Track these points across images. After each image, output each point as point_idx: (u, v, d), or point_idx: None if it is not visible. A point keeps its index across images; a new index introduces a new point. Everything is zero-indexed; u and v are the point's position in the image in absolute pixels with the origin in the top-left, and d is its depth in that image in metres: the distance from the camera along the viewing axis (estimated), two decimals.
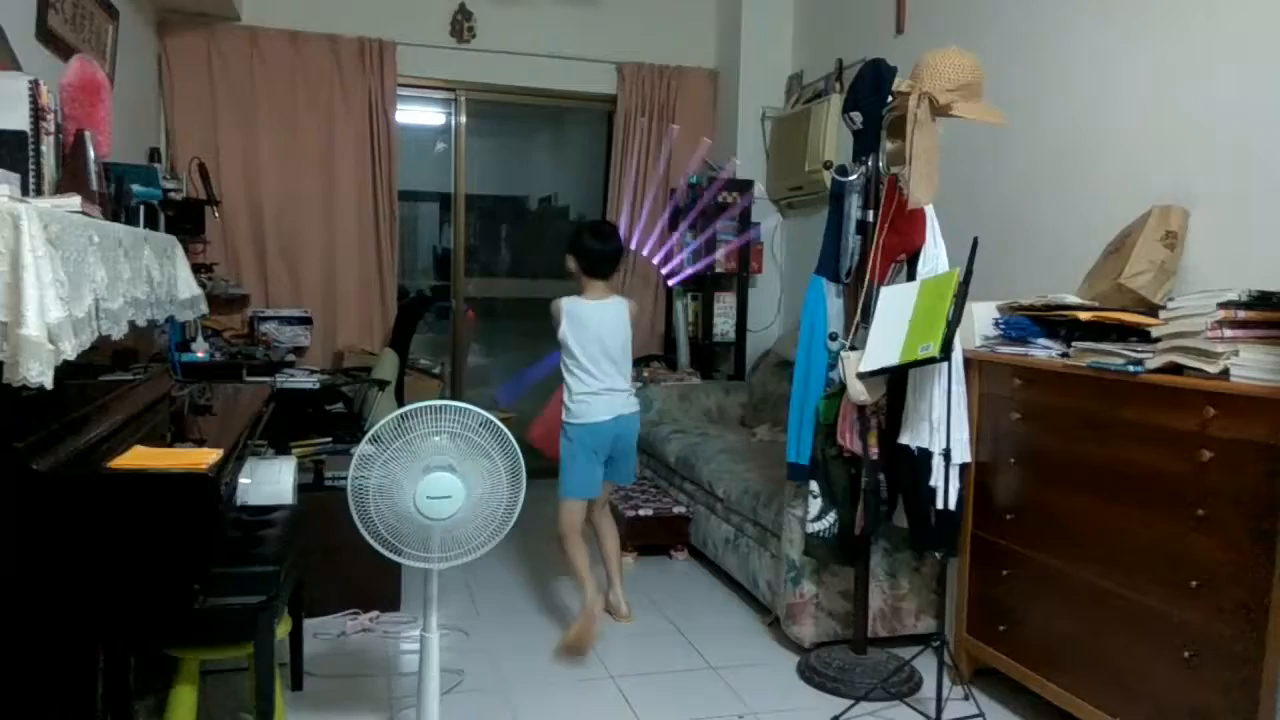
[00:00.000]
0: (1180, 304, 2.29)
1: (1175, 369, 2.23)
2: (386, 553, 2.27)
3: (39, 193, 2.04)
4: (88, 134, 2.23)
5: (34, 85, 2.07)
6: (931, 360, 2.57)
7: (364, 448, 2.24)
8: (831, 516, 2.93)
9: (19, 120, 2.06)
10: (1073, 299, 2.71)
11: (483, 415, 2.27)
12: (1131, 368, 2.31)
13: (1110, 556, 2.40)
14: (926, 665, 2.85)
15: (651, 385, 5.05)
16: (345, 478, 3.39)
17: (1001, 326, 2.82)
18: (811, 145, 4.79)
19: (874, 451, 2.84)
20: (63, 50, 3.12)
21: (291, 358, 4.49)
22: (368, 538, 2.25)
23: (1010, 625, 2.76)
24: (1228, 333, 2.13)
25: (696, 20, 5.68)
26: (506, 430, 2.31)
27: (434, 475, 2.21)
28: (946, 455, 2.68)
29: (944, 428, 2.67)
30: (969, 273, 2.61)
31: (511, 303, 6.35)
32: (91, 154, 2.25)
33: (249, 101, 4.91)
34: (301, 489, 2.98)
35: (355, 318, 5.16)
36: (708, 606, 3.64)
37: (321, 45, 5.00)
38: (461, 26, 5.28)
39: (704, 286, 5.37)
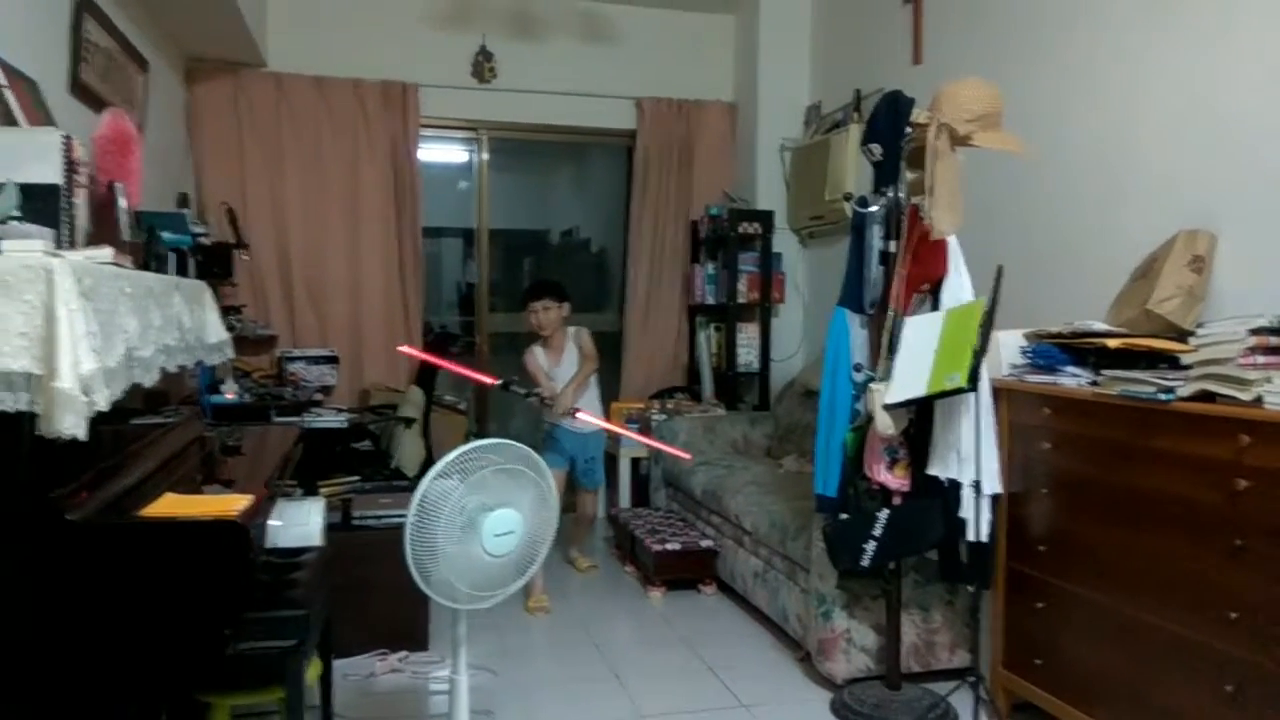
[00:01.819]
0: (1210, 330, 2.26)
1: (1207, 396, 2.20)
2: (445, 601, 2.24)
3: (72, 245, 2.08)
4: (119, 185, 2.28)
5: (67, 140, 2.12)
6: (959, 391, 2.55)
7: (431, 491, 2.20)
8: (871, 545, 2.88)
9: (52, 174, 2.10)
10: (1100, 326, 2.69)
11: (522, 449, 2.27)
12: (1163, 396, 2.28)
13: (1147, 588, 2.36)
14: (962, 701, 2.80)
15: (676, 417, 5.04)
16: (374, 517, 3.44)
17: (1029, 355, 2.80)
18: (831, 175, 4.81)
19: (903, 483, 2.82)
20: (95, 102, 3.19)
21: (319, 397, 4.53)
22: (426, 588, 2.20)
23: (1047, 659, 2.71)
24: (1260, 359, 2.10)
25: (714, 54, 5.74)
26: (543, 462, 2.31)
27: (498, 512, 2.21)
28: (977, 486, 2.65)
29: (974, 458, 2.65)
30: (994, 302, 2.60)
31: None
32: (123, 204, 2.30)
33: (275, 146, 5.00)
34: (329, 529, 2.99)
35: (381, 356, 5.20)
36: (738, 642, 3.60)
37: (346, 89, 5.09)
38: (483, 67, 5.35)
39: (727, 317, 5.37)
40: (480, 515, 2.18)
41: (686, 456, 4.32)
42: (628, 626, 3.81)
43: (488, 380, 3.61)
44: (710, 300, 5.54)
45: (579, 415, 3.94)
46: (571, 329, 4.26)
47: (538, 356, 4.20)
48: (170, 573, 1.69)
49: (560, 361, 4.20)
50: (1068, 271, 3.28)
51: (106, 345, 1.68)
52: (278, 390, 4.38)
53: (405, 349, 4.60)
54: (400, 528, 3.35)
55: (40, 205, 2.01)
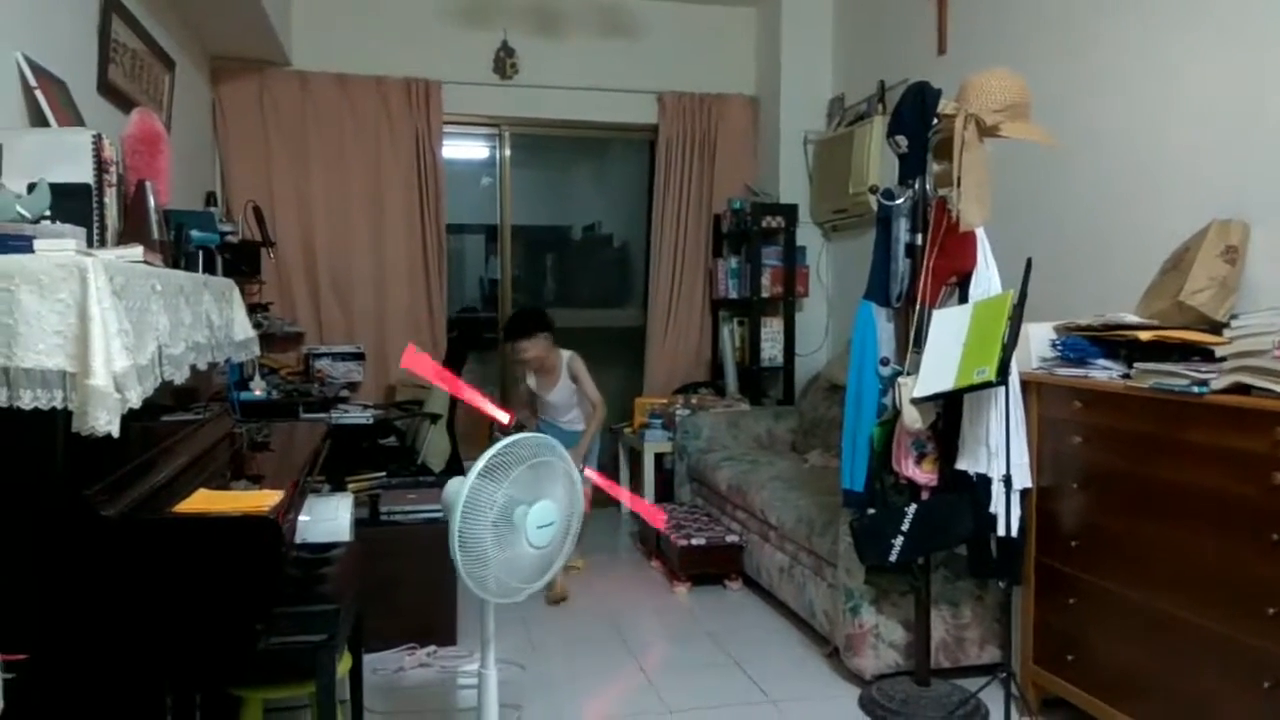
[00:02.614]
0: (1245, 322, 2.23)
1: (1242, 389, 2.17)
2: (497, 598, 2.24)
3: (102, 243, 2.10)
4: (149, 184, 2.30)
5: (97, 140, 2.14)
6: (988, 385, 2.53)
7: (474, 489, 2.20)
8: (899, 541, 2.87)
9: (83, 173, 2.13)
10: (1131, 318, 2.65)
11: (541, 438, 2.28)
12: (1196, 389, 2.25)
13: (1181, 583, 2.33)
14: (993, 697, 2.78)
15: (700, 412, 5.03)
16: (401, 513, 3.46)
17: (1059, 348, 2.77)
18: (855, 168, 4.77)
19: (931, 478, 2.80)
20: (123, 102, 3.22)
21: (345, 393, 4.56)
22: (473, 586, 2.19)
23: (1079, 654, 2.69)
24: None
25: (736, 47, 5.71)
26: (560, 446, 2.32)
27: (538, 506, 2.21)
28: (1007, 481, 2.63)
29: (1003, 453, 2.63)
30: (1023, 295, 2.57)
31: (559, 332, 6.36)
32: (152, 203, 2.32)
33: (300, 143, 5.04)
34: (357, 524, 3.01)
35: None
36: (764, 638, 3.59)
37: (369, 87, 5.11)
38: (505, 64, 5.36)
39: (750, 311, 5.35)
40: (522, 513, 2.19)
41: (660, 519, 4.14)
42: (654, 621, 3.81)
43: (502, 418, 3.18)
44: (734, 295, 5.52)
45: (588, 473, 3.79)
46: (565, 353, 4.29)
47: (530, 383, 4.32)
48: (203, 568, 1.70)
49: (554, 386, 4.28)
50: (1097, 263, 3.24)
51: (138, 343, 1.70)
52: (305, 386, 4.41)
53: (410, 361, 3.03)
54: (428, 523, 3.41)
55: (71, 204, 2.04)
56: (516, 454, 2.21)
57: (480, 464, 2.16)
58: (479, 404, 2.87)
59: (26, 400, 1.52)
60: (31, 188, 1.92)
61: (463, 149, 5.79)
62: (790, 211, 5.30)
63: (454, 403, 4.90)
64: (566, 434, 4.19)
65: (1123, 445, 2.52)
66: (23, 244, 1.62)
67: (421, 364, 2.67)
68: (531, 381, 4.32)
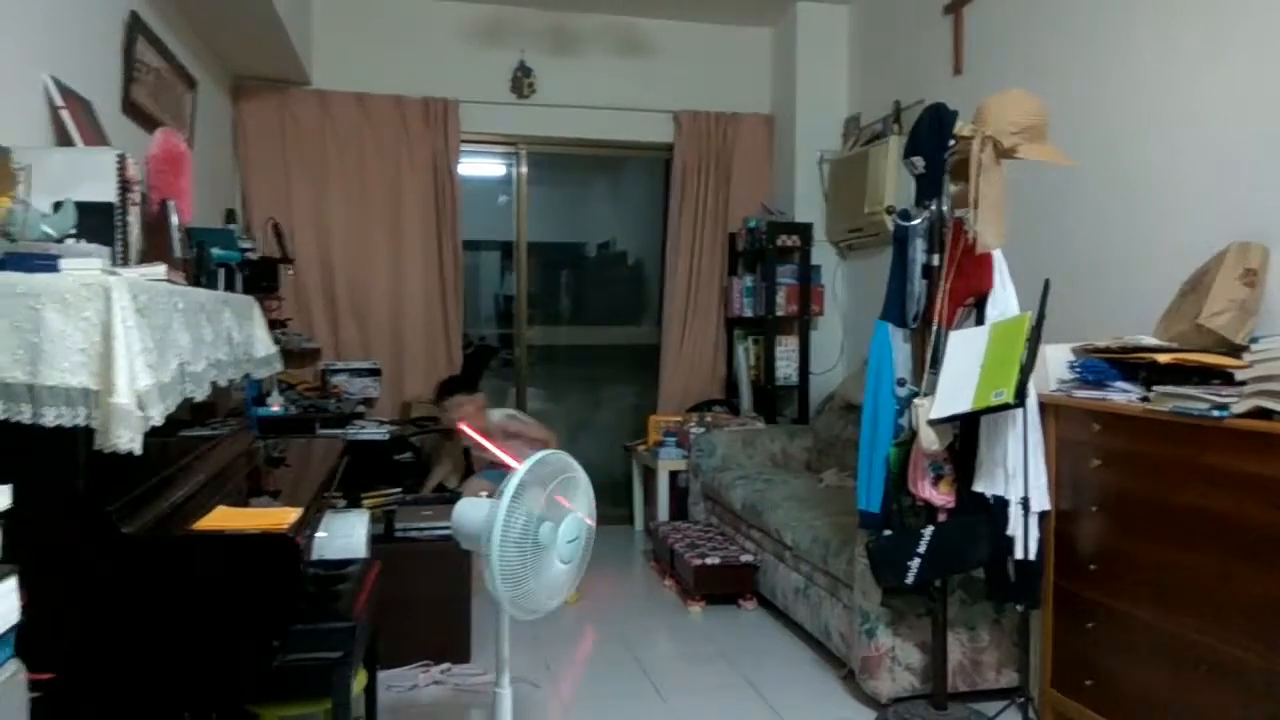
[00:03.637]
0: (1265, 346, 2.21)
1: (1263, 414, 2.15)
2: (523, 615, 2.24)
3: (125, 262, 2.12)
4: (171, 203, 2.33)
5: (121, 159, 2.17)
6: (1006, 407, 2.52)
7: (510, 534, 2.19)
8: (916, 562, 2.85)
9: (107, 192, 2.16)
10: (1150, 340, 2.64)
11: (555, 455, 2.28)
12: (1216, 412, 2.23)
13: (1202, 609, 2.31)
14: None
15: (714, 431, 5.03)
16: (416, 529, 3.47)
17: (1077, 369, 2.76)
18: (870, 187, 4.78)
19: (948, 500, 2.78)
20: (146, 121, 3.27)
21: (361, 409, 4.58)
22: (517, 614, 2.19)
23: (1097, 679, 2.66)
24: None
25: (751, 67, 5.74)
26: (569, 456, 2.32)
27: (565, 522, 2.22)
28: (1025, 504, 2.61)
29: (1021, 475, 2.61)
30: (1041, 316, 2.56)
31: (573, 349, 6.39)
32: (175, 221, 2.35)
33: (319, 161, 5.08)
34: (373, 540, 3.01)
35: (422, 368, 5.25)
36: (779, 659, 3.57)
37: (388, 106, 5.16)
38: (522, 83, 5.40)
39: (765, 329, 5.35)
40: (551, 533, 2.20)
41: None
42: (668, 641, 3.79)
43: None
44: (748, 313, 5.52)
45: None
46: (496, 415, 4.57)
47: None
48: (222, 585, 1.72)
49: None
50: (1115, 285, 3.23)
51: (161, 361, 1.71)
52: (321, 402, 4.43)
53: (464, 429, 3.96)
54: (443, 539, 3.41)
55: (95, 223, 2.06)
56: (539, 474, 2.22)
57: (507, 499, 2.14)
58: (501, 459, 2.89)
59: (50, 418, 1.54)
60: (58, 206, 1.95)
61: (480, 167, 5.83)
62: (805, 230, 5.30)
63: None
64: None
65: (1142, 468, 2.50)
66: (49, 263, 1.65)
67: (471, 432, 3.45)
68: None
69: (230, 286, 3.05)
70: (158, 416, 1.62)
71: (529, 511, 2.17)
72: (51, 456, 1.60)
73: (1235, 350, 2.47)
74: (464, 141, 5.32)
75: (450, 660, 3.36)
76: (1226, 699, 2.23)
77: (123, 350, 1.56)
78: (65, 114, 2.50)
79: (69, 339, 1.56)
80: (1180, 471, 2.36)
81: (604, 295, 6.71)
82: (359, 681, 2.46)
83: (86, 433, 1.57)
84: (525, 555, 2.15)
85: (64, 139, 2.51)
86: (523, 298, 5.77)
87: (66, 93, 2.54)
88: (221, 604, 1.72)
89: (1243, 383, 2.24)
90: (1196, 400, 2.30)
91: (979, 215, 2.69)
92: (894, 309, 3.00)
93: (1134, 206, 3.19)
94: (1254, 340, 2.32)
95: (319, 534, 2.64)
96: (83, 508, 1.63)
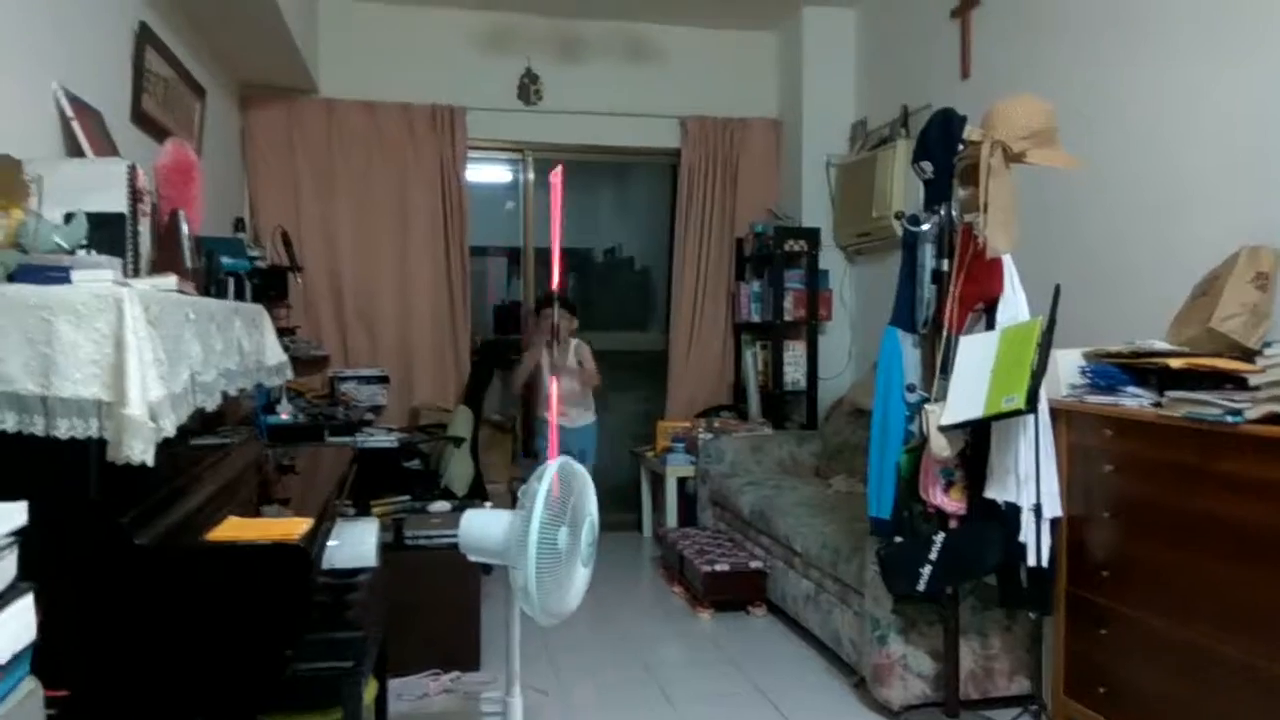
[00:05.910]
0: (1278, 350, 2.20)
1: (1277, 419, 2.14)
2: (550, 621, 2.24)
3: (136, 272, 2.13)
4: (181, 213, 2.33)
5: (131, 170, 2.17)
6: (1017, 413, 2.51)
7: (538, 524, 2.19)
8: (927, 569, 2.84)
9: (118, 203, 2.16)
10: (1162, 345, 2.63)
11: (566, 463, 2.27)
12: (1230, 418, 2.22)
13: (1216, 615, 2.29)
14: None
15: (723, 436, 5.02)
16: (426, 537, 3.46)
17: (1089, 375, 2.75)
18: (878, 191, 4.77)
19: (959, 506, 2.77)
20: (155, 130, 3.28)
21: (370, 416, 4.58)
22: (540, 615, 2.18)
23: (1110, 686, 2.64)
24: None
25: (758, 71, 5.74)
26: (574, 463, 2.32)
27: (584, 527, 2.22)
28: (1037, 510, 2.60)
29: (1033, 481, 2.60)
30: (1052, 321, 2.55)
31: None
32: (185, 231, 2.34)
33: (327, 169, 5.10)
34: (382, 548, 3.01)
35: (430, 375, 5.25)
36: (789, 666, 3.56)
37: (395, 114, 5.17)
38: (529, 90, 5.41)
39: (773, 335, 5.34)
40: (574, 541, 2.20)
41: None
42: (677, 647, 3.78)
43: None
44: (756, 318, 5.52)
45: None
46: (574, 341, 4.90)
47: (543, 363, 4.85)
48: (234, 595, 1.71)
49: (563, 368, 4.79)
50: (1127, 289, 3.22)
51: (172, 371, 1.71)
52: (330, 410, 4.44)
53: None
54: (453, 547, 3.40)
55: (107, 234, 2.06)
56: (559, 487, 2.21)
57: (535, 521, 2.12)
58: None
59: (63, 430, 1.54)
60: (69, 218, 1.95)
61: (487, 173, 5.83)
62: (813, 235, 5.30)
63: (477, 427, 4.91)
64: (568, 432, 4.59)
65: (1154, 474, 2.49)
66: (60, 275, 1.65)
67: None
68: (545, 361, 4.75)
69: (239, 295, 3.06)
70: (169, 427, 1.62)
71: (553, 518, 2.17)
72: (64, 468, 1.60)
73: (1248, 354, 2.45)
74: (471, 148, 5.33)
75: (460, 668, 3.36)
76: (1241, 706, 2.21)
77: (135, 361, 1.56)
78: (76, 125, 2.51)
79: (81, 350, 1.56)
80: (1194, 477, 2.35)
81: (611, 301, 6.71)
82: (370, 691, 2.45)
83: (99, 444, 1.57)
84: (558, 564, 2.15)
85: (75, 150, 2.52)
86: (530, 303, 5.76)
87: (77, 103, 2.55)
88: (233, 614, 1.72)
89: (1256, 387, 2.23)
90: (1210, 405, 2.29)
91: (989, 220, 2.68)
92: (903, 314, 2.99)
93: (1144, 210, 3.18)
94: (1267, 345, 2.32)
95: (331, 542, 2.64)
96: (96, 519, 1.63)
